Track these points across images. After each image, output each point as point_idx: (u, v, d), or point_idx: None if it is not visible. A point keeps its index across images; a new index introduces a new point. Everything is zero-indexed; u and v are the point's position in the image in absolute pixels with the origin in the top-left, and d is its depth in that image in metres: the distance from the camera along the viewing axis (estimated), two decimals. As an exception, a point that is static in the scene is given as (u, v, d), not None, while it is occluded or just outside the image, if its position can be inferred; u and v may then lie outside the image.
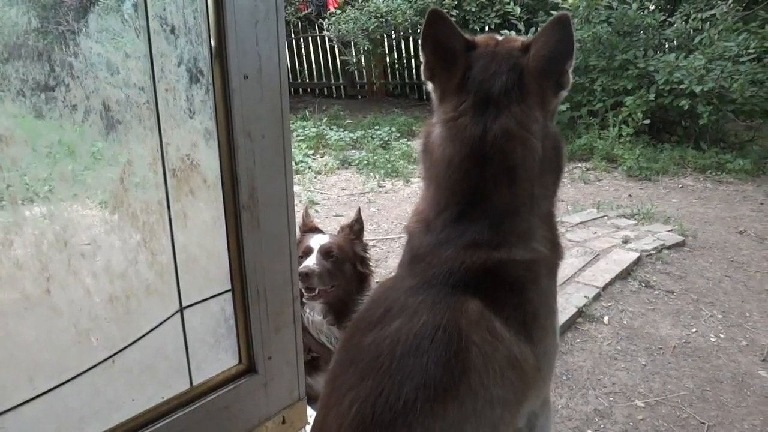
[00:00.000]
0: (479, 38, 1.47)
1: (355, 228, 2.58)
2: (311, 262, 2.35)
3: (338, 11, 11.26)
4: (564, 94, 1.41)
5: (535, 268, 1.39)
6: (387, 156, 7.64)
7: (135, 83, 1.15)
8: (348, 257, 2.48)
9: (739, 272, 4.48)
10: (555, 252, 1.44)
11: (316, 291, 2.36)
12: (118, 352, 1.23)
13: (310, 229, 2.55)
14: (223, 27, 1.26)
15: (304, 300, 2.37)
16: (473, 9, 10.69)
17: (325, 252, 2.42)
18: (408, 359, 1.23)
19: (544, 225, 1.40)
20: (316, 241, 2.44)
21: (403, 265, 1.48)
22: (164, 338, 1.32)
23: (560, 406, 2.83)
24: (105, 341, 1.21)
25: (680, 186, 6.82)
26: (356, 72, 12.91)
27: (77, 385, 1.18)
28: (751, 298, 4.05)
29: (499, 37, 1.49)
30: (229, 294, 1.44)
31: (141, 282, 1.23)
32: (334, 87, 13.61)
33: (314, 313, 2.44)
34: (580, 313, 3.62)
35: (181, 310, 1.33)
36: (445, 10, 10.10)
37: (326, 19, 11.61)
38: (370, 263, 2.59)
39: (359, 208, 2.67)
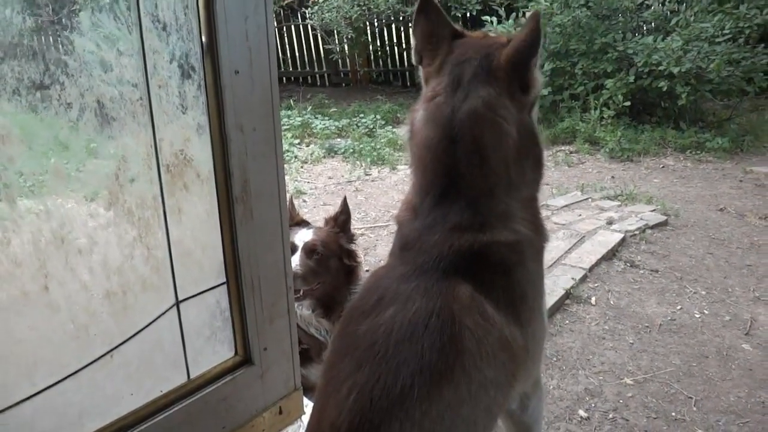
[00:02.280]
0: (472, 32, 1.52)
1: (341, 219, 2.54)
2: (294, 263, 2.29)
3: (321, 0, 11.20)
4: (531, 98, 1.43)
5: (520, 250, 1.43)
6: (373, 144, 7.65)
7: (128, 80, 1.16)
8: (333, 252, 2.44)
9: (720, 249, 4.56)
10: (539, 235, 1.47)
11: (301, 292, 2.33)
12: (116, 347, 1.25)
13: (297, 222, 2.51)
14: (213, 23, 1.27)
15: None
16: (455, -5, 10.68)
17: (309, 250, 2.39)
18: (403, 345, 1.27)
19: (526, 209, 1.44)
20: (300, 238, 2.40)
21: (394, 254, 1.52)
22: (161, 332, 1.33)
23: (551, 386, 2.89)
24: (103, 336, 1.22)
25: (661, 166, 6.90)
26: (340, 60, 12.86)
27: (76, 380, 1.20)
28: (733, 273, 4.13)
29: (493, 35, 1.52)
30: (224, 286, 1.46)
31: (137, 277, 1.24)
32: (318, 75, 13.56)
33: (302, 308, 2.43)
34: (567, 294, 3.68)
35: (177, 303, 1.35)
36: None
37: (309, 8, 11.54)
38: (357, 255, 2.57)
39: (344, 198, 2.65)
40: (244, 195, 1.41)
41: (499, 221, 1.40)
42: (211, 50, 1.31)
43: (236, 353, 1.54)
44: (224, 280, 1.45)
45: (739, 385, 2.88)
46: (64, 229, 1.11)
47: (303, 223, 2.55)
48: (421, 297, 1.32)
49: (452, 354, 1.26)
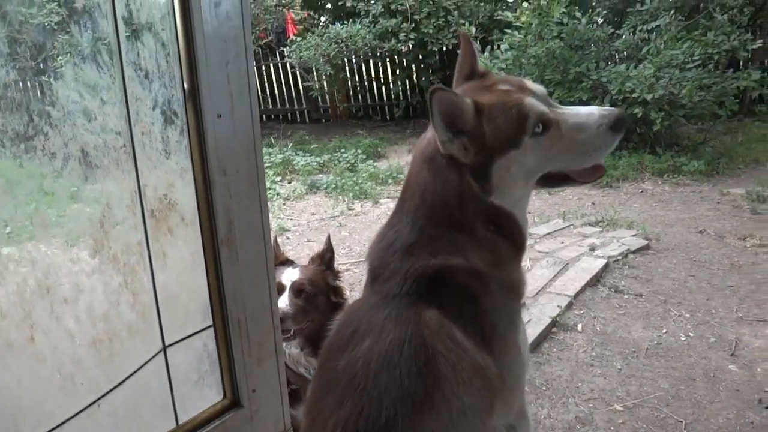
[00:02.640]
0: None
1: (326, 257, 2.54)
2: (284, 303, 2.29)
3: (298, 38, 11.35)
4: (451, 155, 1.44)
5: (483, 280, 1.45)
6: (355, 178, 7.69)
7: (112, 128, 1.17)
8: (320, 290, 2.44)
9: (702, 271, 4.62)
10: (504, 272, 1.50)
11: (291, 331, 2.33)
12: (103, 396, 1.23)
13: (282, 261, 2.51)
14: (195, 69, 1.30)
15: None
16: (431, 31, 10.88)
17: (297, 289, 2.38)
18: (382, 375, 1.28)
19: (481, 248, 1.45)
20: (287, 278, 2.40)
21: (366, 285, 1.56)
22: (148, 378, 1.32)
23: (542, 416, 2.88)
24: (89, 385, 1.21)
25: (640, 191, 7.01)
26: (319, 96, 12.97)
27: (63, 431, 1.18)
28: (716, 295, 4.18)
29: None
30: (211, 329, 1.45)
31: (123, 323, 1.24)
32: (298, 112, 13.65)
33: (291, 347, 2.42)
34: (554, 323, 3.69)
35: (164, 349, 1.34)
36: (403, 34, 10.20)
37: (287, 47, 11.68)
38: (344, 292, 2.57)
39: (329, 236, 2.67)
40: (229, 237, 1.41)
41: (450, 248, 1.44)
42: (193, 96, 1.33)
43: (225, 396, 1.53)
44: (211, 322, 1.44)
45: (728, 407, 2.89)
46: (49, 277, 1.11)
47: (288, 262, 2.54)
48: (394, 326, 1.35)
49: (430, 379, 1.29)
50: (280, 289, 2.36)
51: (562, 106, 1.49)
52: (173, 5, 1.29)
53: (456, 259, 1.41)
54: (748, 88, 8.42)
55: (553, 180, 1.53)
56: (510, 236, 1.49)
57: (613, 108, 1.51)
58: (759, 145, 8.79)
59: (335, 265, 2.60)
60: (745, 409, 2.87)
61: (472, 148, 1.40)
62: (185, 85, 1.32)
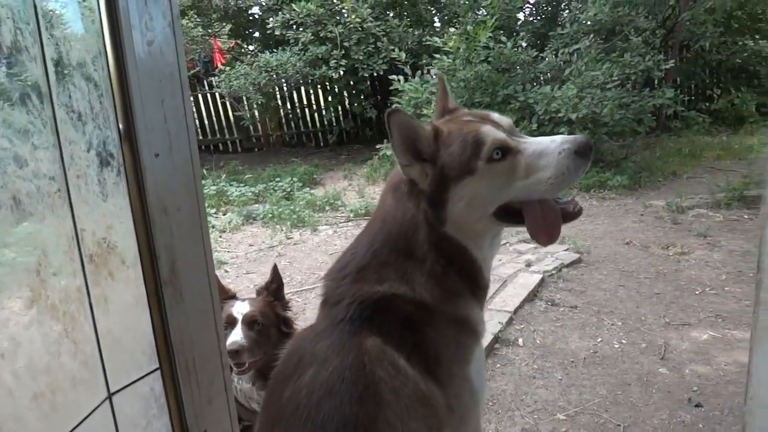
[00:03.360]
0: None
1: (272, 288, 2.54)
2: (238, 336, 2.30)
3: (227, 68, 11.27)
4: (427, 189, 1.51)
5: (429, 312, 1.47)
6: (292, 207, 7.66)
7: (45, 173, 1.14)
8: (271, 322, 2.44)
9: (630, 280, 4.84)
10: (454, 308, 1.52)
11: (246, 364, 2.31)
12: (46, 451, 1.18)
13: (229, 296, 2.49)
14: (130, 109, 1.28)
15: (233, 375, 2.33)
16: (361, 57, 11.02)
17: (250, 321, 2.37)
18: (325, 403, 1.30)
19: (430, 281, 1.48)
20: (238, 311, 2.39)
21: (319, 308, 1.58)
22: (95, 428, 1.27)
23: (490, 431, 2.92)
24: (31, 441, 1.16)
25: (571, 207, 7.26)
26: (251, 125, 12.89)
27: (5, 492, 1.12)
28: (644, 303, 4.39)
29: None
30: (158, 372, 1.41)
31: (66, 374, 1.19)
32: (229, 142, 13.52)
33: (243, 381, 2.39)
34: (496, 339, 3.77)
35: (110, 396, 1.29)
36: (334, 61, 10.33)
37: (216, 76, 11.58)
38: (293, 322, 2.57)
39: (275, 266, 2.66)
40: (172, 277, 1.39)
41: (396, 276, 1.47)
42: (129, 136, 1.30)
43: (174, 441, 1.48)
44: (157, 365, 1.40)
45: (661, 408, 3.02)
46: (-17, 333, 1.06)
47: (234, 297, 2.53)
48: (336, 354, 1.37)
49: (371, 405, 1.30)
50: (232, 322, 2.36)
51: (527, 137, 1.53)
52: (105, 45, 1.27)
53: (402, 287, 1.44)
54: (663, 105, 8.96)
55: (512, 216, 1.51)
56: (464, 272, 1.49)
57: (579, 135, 1.51)
58: (675, 158, 9.31)
59: (284, 296, 2.60)
60: (677, 408, 3.01)
61: (431, 173, 1.41)
62: (120, 126, 1.29)
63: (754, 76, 13.67)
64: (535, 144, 1.48)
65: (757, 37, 13.47)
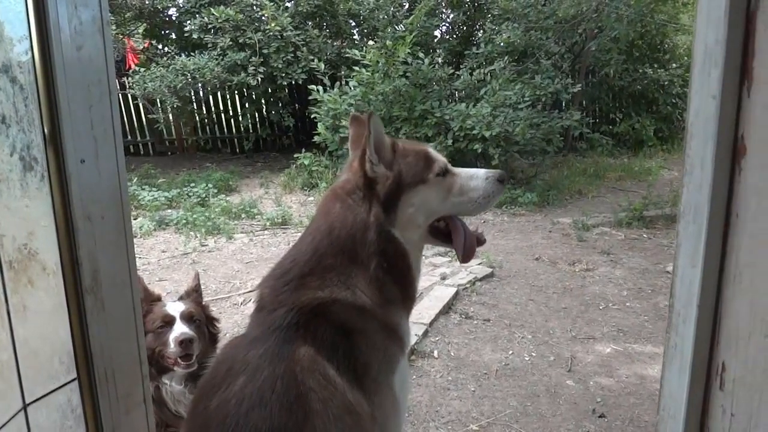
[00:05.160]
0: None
1: (199, 291, 2.61)
2: (183, 329, 2.32)
3: (141, 69, 10.91)
4: (379, 192, 1.65)
5: (365, 317, 1.54)
6: (206, 213, 7.50)
7: (-35, 177, 1.11)
8: (203, 320, 2.50)
9: (540, 295, 5.06)
10: (387, 315, 1.59)
11: (194, 357, 2.33)
12: (-46, 464, 1.14)
13: (156, 299, 2.50)
14: (56, 113, 1.26)
15: (182, 369, 2.33)
16: (280, 65, 10.96)
17: (188, 318, 2.42)
18: (254, 413, 1.31)
19: (371, 285, 1.57)
20: (174, 309, 2.42)
21: (252, 315, 1.59)
22: (7, 440, 1.23)
23: (405, 442, 2.99)
24: (-62, 455, 1.11)
25: (483, 221, 7.52)
26: (164, 129, 12.52)
27: None
28: (552, 316, 4.60)
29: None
30: (75, 383, 1.38)
31: (-21, 384, 1.15)
32: (141, 144, 13.07)
33: (173, 383, 2.37)
34: (413, 350, 3.85)
35: (25, 408, 1.26)
36: (252, 68, 10.22)
37: (129, 77, 11.18)
38: (219, 322, 2.63)
39: (197, 272, 2.70)
40: (94, 285, 1.37)
41: (339, 280, 1.53)
42: (54, 140, 1.28)
43: (90, 452, 1.45)
44: (75, 375, 1.37)
45: (568, 419, 3.19)
46: None
47: (159, 300, 2.53)
48: (269, 364, 1.39)
49: (300, 414, 1.33)
50: (170, 321, 2.39)
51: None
52: (32, 48, 1.25)
53: (343, 292, 1.49)
54: (570, 126, 9.45)
55: (441, 234, 1.75)
56: (400, 280, 1.61)
57: (499, 170, 1.86)
58: (581, 178, 9.81)
59: (202, 300, 2.65)
60: (582, 419, 3.19)
61: (390, 175, 1.59)
62: (45, 130, 1.27)
63: (653, 103, 14.63)
64: (465, 170, 1.77)
65: (656, 66, 14.44)
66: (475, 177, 1.74)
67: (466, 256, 1.72)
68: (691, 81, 1.09)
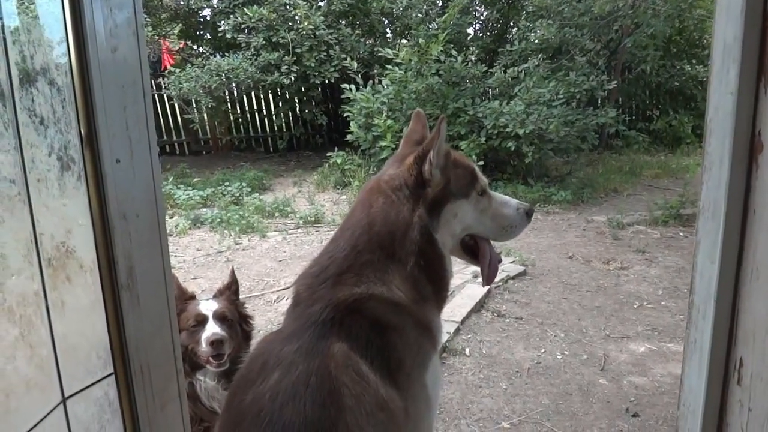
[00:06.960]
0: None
1: (233, 288, 2.62)
2: (215, 329, 2.35)
3: (177, 70, 11.09)
4: (429, 193, 1.66)
5: (400, 314, 1.54)
6: (240, 212, 7.59)
7: (5, 176, 1.14)
8: (237, 319, 2.51)
9: (573, 293, 5.00)
10: (421, 312, 1.60)
11: (225, 356, 2.36)
12: (-3, 456, 1.17)
13: (189, 297, 2.53)
14: (92, 114, 1.29)
15: (214, 368, 2.35)
16: (312, 64, 11.03)
17: (221, 317, 2.44)
18: (287, 407, 1.33)
19: (407, 281, 1.57)
20: (207, 308, 2.44)
21: (288, 311, 1.61)
22: (47, 433, 1.27)
23: (436, 440, 2.99)
24: (-17, 446, 1.15)
25: (517, 219, 7.45)
26: (200, 128, 12.70)
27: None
28: (585, 315, 4.54)
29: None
30: (112, 377, 1.41)
31: (20, 378, 1.19)
32: (177, 144, 13.28)
33: (207, 379, 2.41)
34: (444, 348, 3.84)
35: (64, 401, 1.29)
36: (285, 67, 10.29)
37: (164, 78, 11.38)
38: (252, 321, 2.65)
39: (233, 269, 2.74)
40: (130, 282, 1.40)
41: (375, 276, 1.53)
42: (90, 141, 1.31)
43: (126, 446, 1.48)
44: (112, 370, 1.41)
45: (600, 417, 3.15)
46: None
47: (193, 298, 2.56)
48: (303, 359, 1.40)
49: (333, 409, 1.34)
50: (203, 320, 2.41)
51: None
52: (69, 51, 1.28)
53: (379, 287, 1.50)
54: (606, 124, 9.30)
55: (468, 250, 1.79)
56: (434, 280, 1.61)
57: (528, 203, 1.90)
58: (616, 176, 9.65)
59: (239, 297, 2.67)
60: (615, 418, 3.14)
61: (442, 182, 1.61)
62: (82, 131, 1.30)
63: (691, 99, 14.32)
64: (500, 196, 1.82)
65: (694, 62, 14.13)
66: (508, 205, 1.79)
67: (489, 280, 1.78)
68: (710, 78, 1.07)
